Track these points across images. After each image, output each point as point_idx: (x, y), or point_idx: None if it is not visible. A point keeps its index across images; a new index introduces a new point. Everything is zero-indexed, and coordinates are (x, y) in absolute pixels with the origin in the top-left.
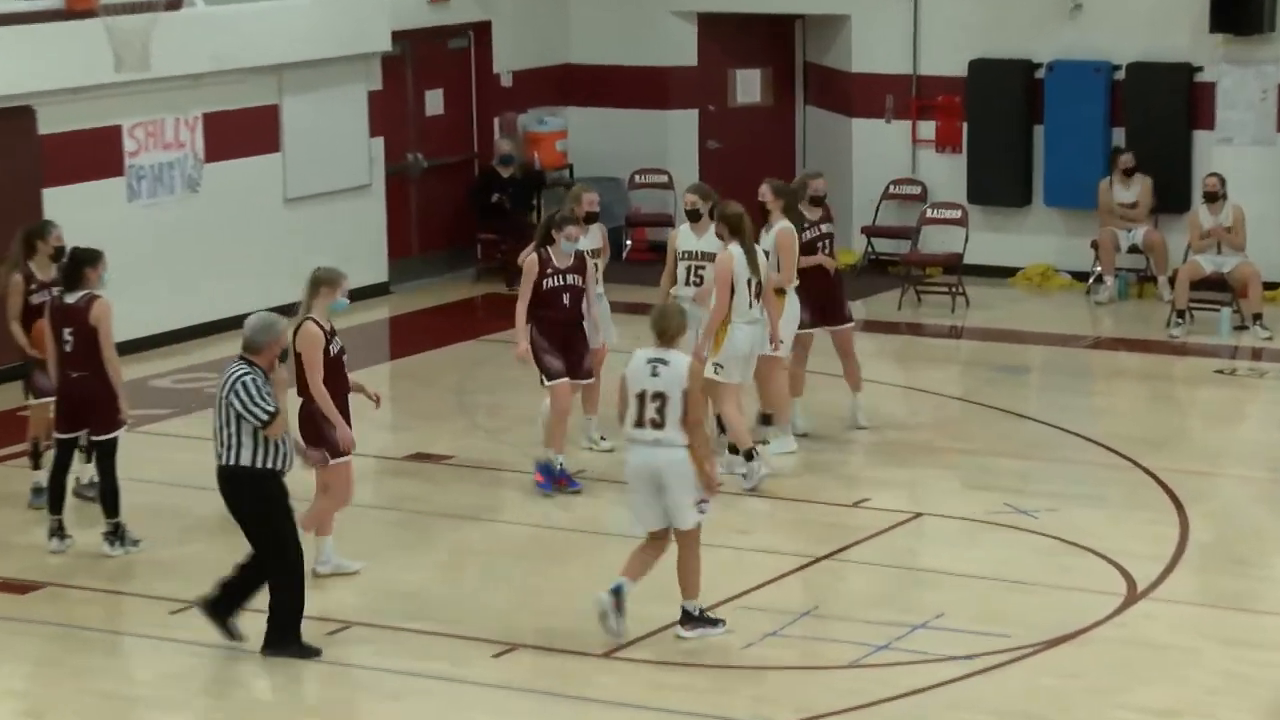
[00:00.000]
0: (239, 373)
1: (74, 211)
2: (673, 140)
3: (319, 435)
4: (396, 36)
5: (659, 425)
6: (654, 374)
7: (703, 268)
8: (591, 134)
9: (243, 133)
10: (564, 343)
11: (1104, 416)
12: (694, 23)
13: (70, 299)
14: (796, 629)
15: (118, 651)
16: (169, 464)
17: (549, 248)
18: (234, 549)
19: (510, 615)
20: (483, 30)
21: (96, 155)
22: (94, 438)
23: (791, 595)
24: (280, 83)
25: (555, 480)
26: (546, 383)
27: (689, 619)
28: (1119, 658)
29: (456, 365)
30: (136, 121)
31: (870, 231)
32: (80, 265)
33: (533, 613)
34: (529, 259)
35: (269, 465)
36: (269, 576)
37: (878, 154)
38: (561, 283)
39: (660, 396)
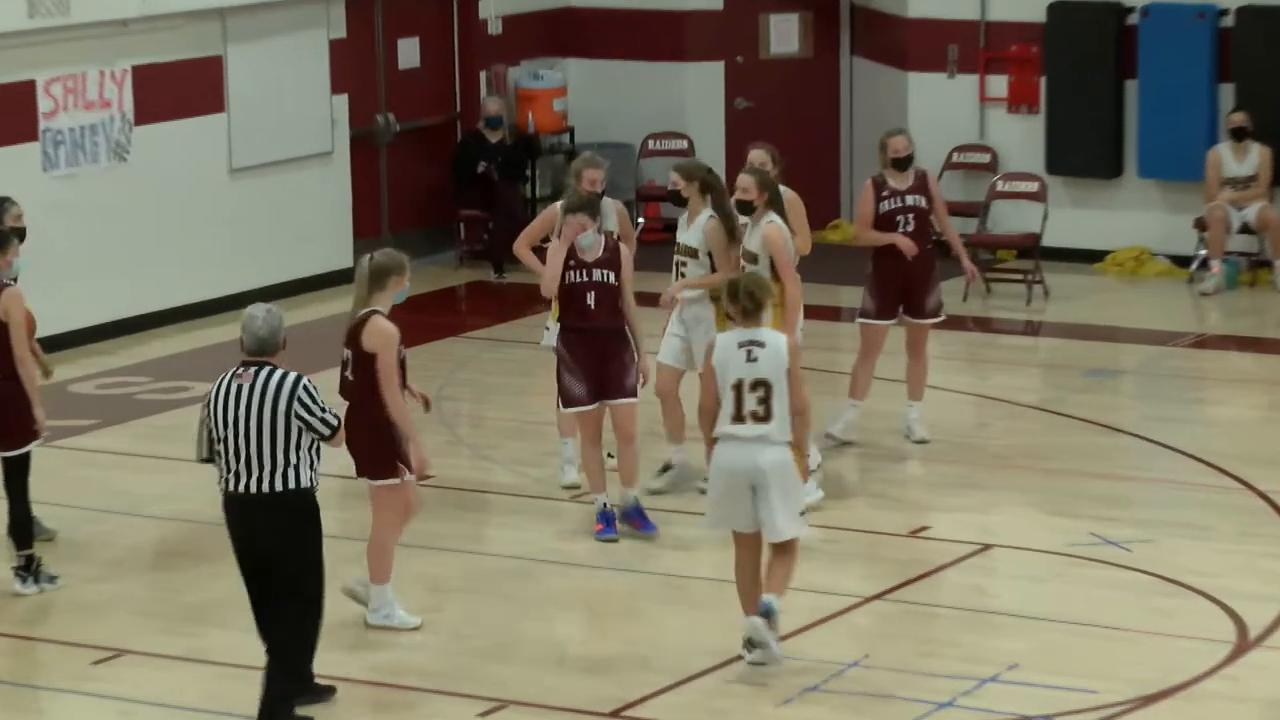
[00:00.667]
0: (295, 377)
1: None
2: (693, 99)
3: (373, 451)
4: None
5: (763, 419)
6: (751, 358)
7: (685, 264)
8: (596, 91)
9: (180, 90)
10: (599, 357)
11: (1210, 430)
12: None
13: None
14: (842, 683)
15: (31, 708)
16: (92, 485)
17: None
18: (170, 586)
19: (498, 665)
20: None
21: (5, 117)
22: (2, 454)
23: (836, 642)
24: (224, 30)
25: (624, 520)
26: (562, 408)
27: (772, 614)
28: (1227, 717)
29: (434, 368)
30: (53, 76)
31: None
32: None
33: (525, 662)
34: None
35: (318, 482)
36: (297, 613)
37: (938, 115)
38: (586, 278)
39: (763, 384)
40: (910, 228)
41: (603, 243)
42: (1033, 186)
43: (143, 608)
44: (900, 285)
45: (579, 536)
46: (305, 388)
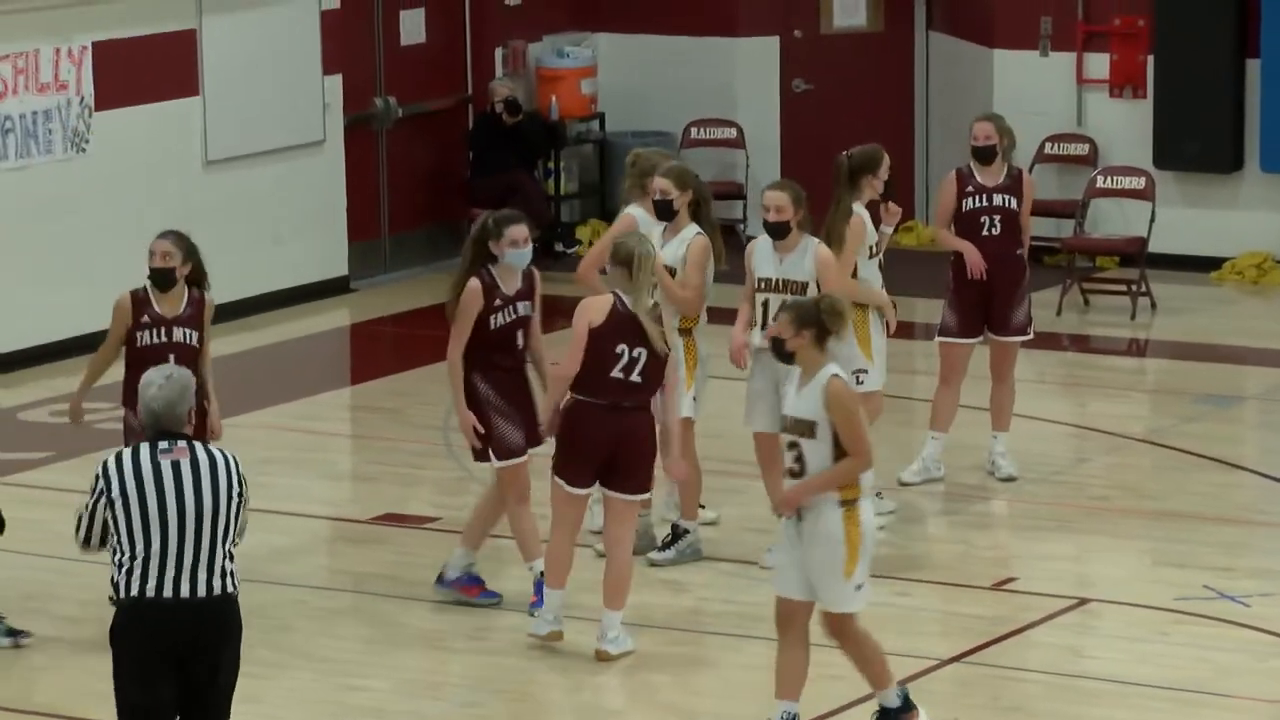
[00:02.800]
0: (235, 457)
1: None
2: (744, 79)
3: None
4: None
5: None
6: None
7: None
8: (630, 71)
9: (148, 69)
10: (522, 399)
11: None
12: None
13: None
14: None
15: None
16: (41, 527)
17: (491, 267)
18: None
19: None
20: None
21: None
22: None
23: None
24: None
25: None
26: (497, 462)
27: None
28: None
29: (440, 392)
30: (1, 54)
31: None
32: None
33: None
34: (469, 288)
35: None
36: None
37: (1029, 99)
38: (514, 316)
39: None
40: (996, 230)
41: (520, 272)
42: (1139, 183)
43: (99, 668)
44: (983, 297)
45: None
46: (242, 472)
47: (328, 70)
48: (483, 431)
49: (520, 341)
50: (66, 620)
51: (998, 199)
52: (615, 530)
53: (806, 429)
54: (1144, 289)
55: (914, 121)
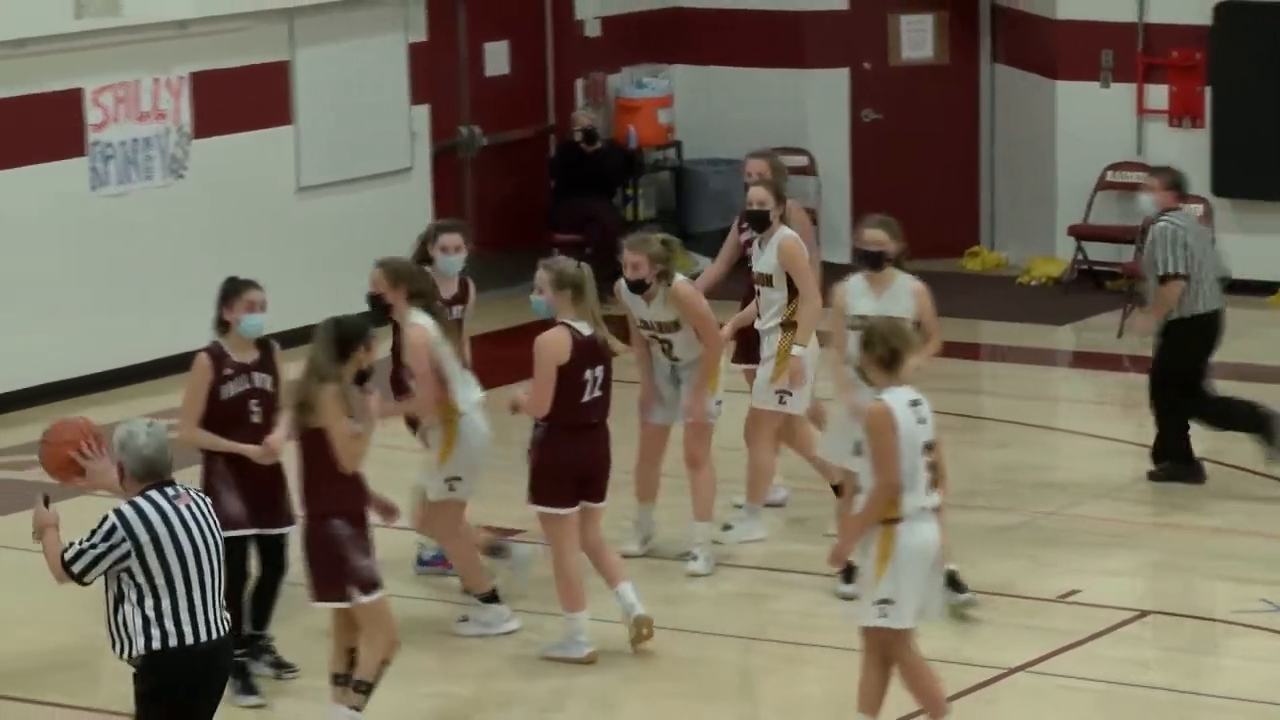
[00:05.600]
0: (204, 498)
1: (19, 203)
2: (814, 110)
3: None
4: None
5: (936, 486)
6: (920, 420)
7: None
8: (704, 101)
9: (243, 99)
10: None
11: None
12: None
13: None
14: None
15: None
16: None
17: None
18: None
19: None
20: None
21: (49, 129)
22: None
23: None
24: (292, 32)
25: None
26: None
27: None
28: None
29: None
30: (102, 84)
31: (1080, 233)
32: None
33: None
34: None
35: None
36: None
37: (1091, 129)
38: (454, 317)
39: (932, 447)
40: None
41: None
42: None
43: None
44: None
45: (681, 600)
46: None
47: (415, 100)
48: None
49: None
50: None
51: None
52: (593, 536)
53: (858, 448)
54: None
55: (979, 150)
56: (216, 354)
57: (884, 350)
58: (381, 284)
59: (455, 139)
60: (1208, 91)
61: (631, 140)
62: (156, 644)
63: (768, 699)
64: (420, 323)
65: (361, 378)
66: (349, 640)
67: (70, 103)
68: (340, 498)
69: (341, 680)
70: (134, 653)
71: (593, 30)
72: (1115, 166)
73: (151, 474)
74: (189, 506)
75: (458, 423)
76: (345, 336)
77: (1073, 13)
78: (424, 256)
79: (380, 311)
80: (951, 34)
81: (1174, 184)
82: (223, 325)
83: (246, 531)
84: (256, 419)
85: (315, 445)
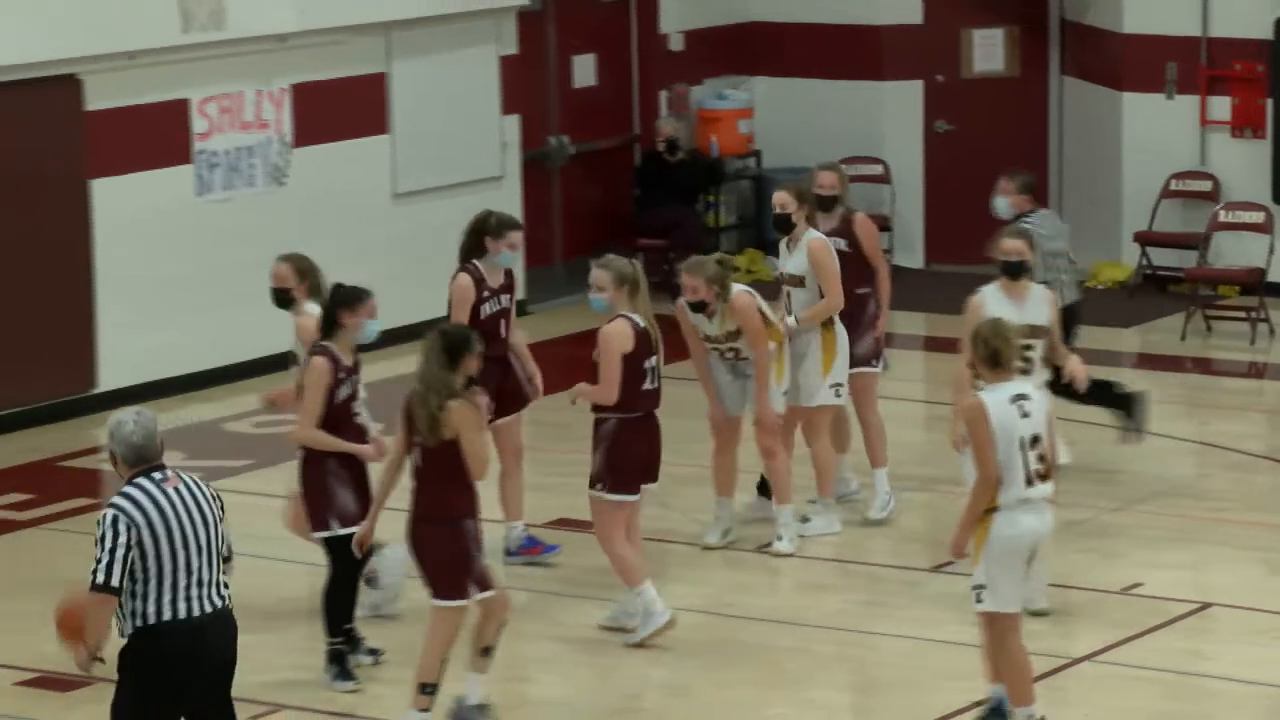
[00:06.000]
0: (199, 479)
1: (126, 208)
2: (889, 120)
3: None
4: None
5: (1046, 477)
6: (1024, 414)
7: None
8: (783, 112)
9: (341, 109)
10: (500, 381)
11: None
12: None
13: None
14: None
15: None
16: (241, 529)
17: (479, 261)
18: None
19: None
20: None
21: (157, 137)
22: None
23: (1037, 707)
24: (389, 45)
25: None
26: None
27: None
28: None
29: None
30: (207, 95)
31: (1145, 239)
32: None
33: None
34: (459, 280)
35: None
36: None
37: (1156, 139)
38: (499, 306)
39: (1039, 440)
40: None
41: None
42: (1258, 217)
43: (300, 661)
44: None
45: (761, 590)
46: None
47: (506, 111)
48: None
49: (503, 331)
50: (265, 615)
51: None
52: (636, 521)
53: (963, 441)
54: (1263, 315)
55: (1048, 159)
56: (331, 357)
57: (986, 351)
58: (290, 278)
59: (544, 148)
60: (1269, 104)
61: (713, 150)
62: (139, 621)
63: (839, 686)
64: (313, 311)
65: (468, 383)
66: (446, 648)
67: (178, 113)
68: (469, 502)
69: (428, 690)
70: (125, 631)
71: (676, 44)
72: (1179, 175)
73: (141, 460)
74: (176, 489)
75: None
76: (453, 345)
77: (1138, 27)
78: (478, 245)
79: (285, 304)
80: (1022, 48)
81: (1026, 187)
82: (333, 328)
83: (355, 529)
84: (360, 420)
85: (444, 455)
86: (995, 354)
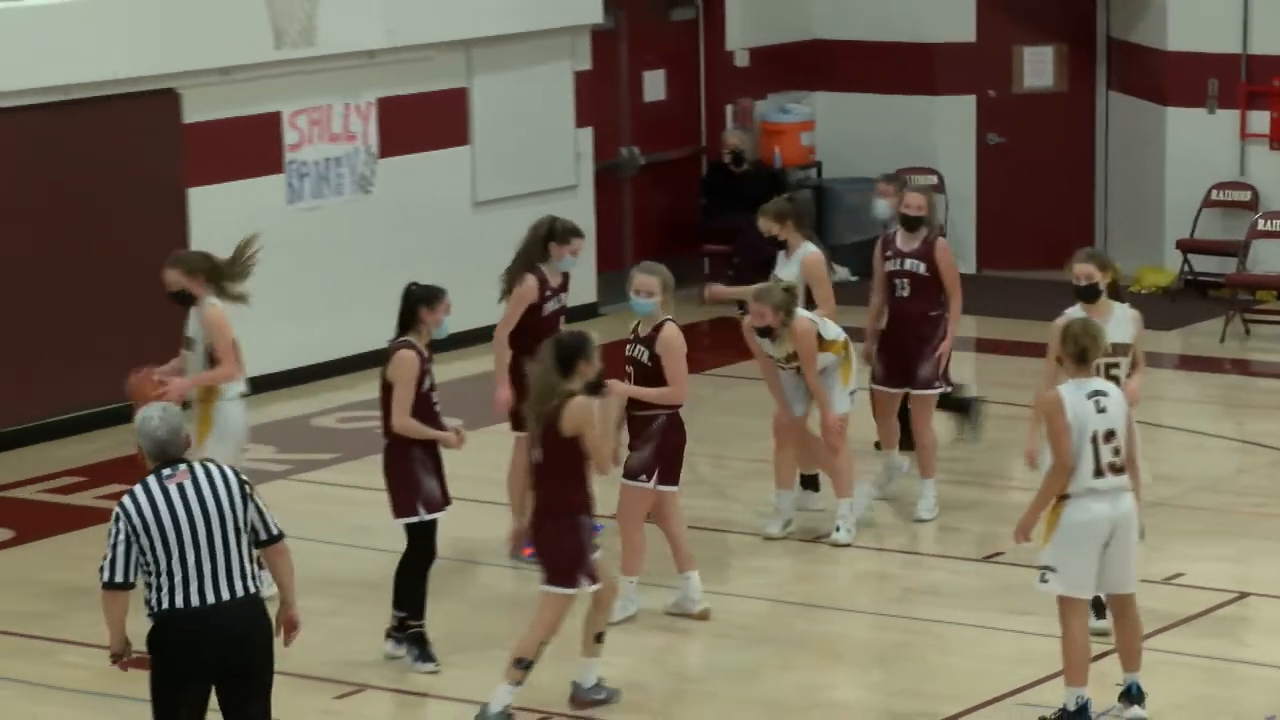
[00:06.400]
0: (234, 469)
1: (222, 215)
2: (943, 133)
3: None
4: (609, 5)
5: (1120, 470)
6: (1100, 409)
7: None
8: (843, 125)
9: (425, 122)
10: None
11: None
12: None
13: None
14: None
15: None
16: (330, 519)
17: (543, 265)
18: None
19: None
20: None
21: (251, 148)
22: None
23: (1087, 690)
24: (469, 61)
25: None
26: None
27: (1132, 696)
28: None
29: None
30: (298, 108)
31: (1187, 246)
32: None
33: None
34: (527, 282)
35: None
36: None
37: (1198, 151)
38: (558, 305)
39: (1114, 435)
40: (905, 292)
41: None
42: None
43: (383, 644)
44: (899, 352)
45: (818, 579)
46: (247, 480)
47: (580, 123)
48: (514, 406)
49: (560, 326)
50: (350, 599)
51: (908, 264)
52: (679, 506)
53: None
54: None
55: (1094, 170)
56: (418, 350)
57: (1075, 348)
58: (181, 281)
59: (616, 159)
60: None
61: (776, 161)
62: (149, 609)
63: (900, 671)
64: (216, 302)
65: (593, 389)
66: (550, 632)
67: (270, 125)
68: (585, 498)
69: (524, 665)
70: (147, 617)
71: (742, 60)
72: (1219, 186)
73: (162, 454)
74: (180, 485)
75: (215, 406)
76: (565, 355)
77: (1182, 45)
78: (540, 251)
79: (187, 303)
80: (1070, 64)
81: (904, 188)
82: (411, 325)
83: (439, 514)
84: (439, 409)
85: (564, 452)
86: (1083, 351)
